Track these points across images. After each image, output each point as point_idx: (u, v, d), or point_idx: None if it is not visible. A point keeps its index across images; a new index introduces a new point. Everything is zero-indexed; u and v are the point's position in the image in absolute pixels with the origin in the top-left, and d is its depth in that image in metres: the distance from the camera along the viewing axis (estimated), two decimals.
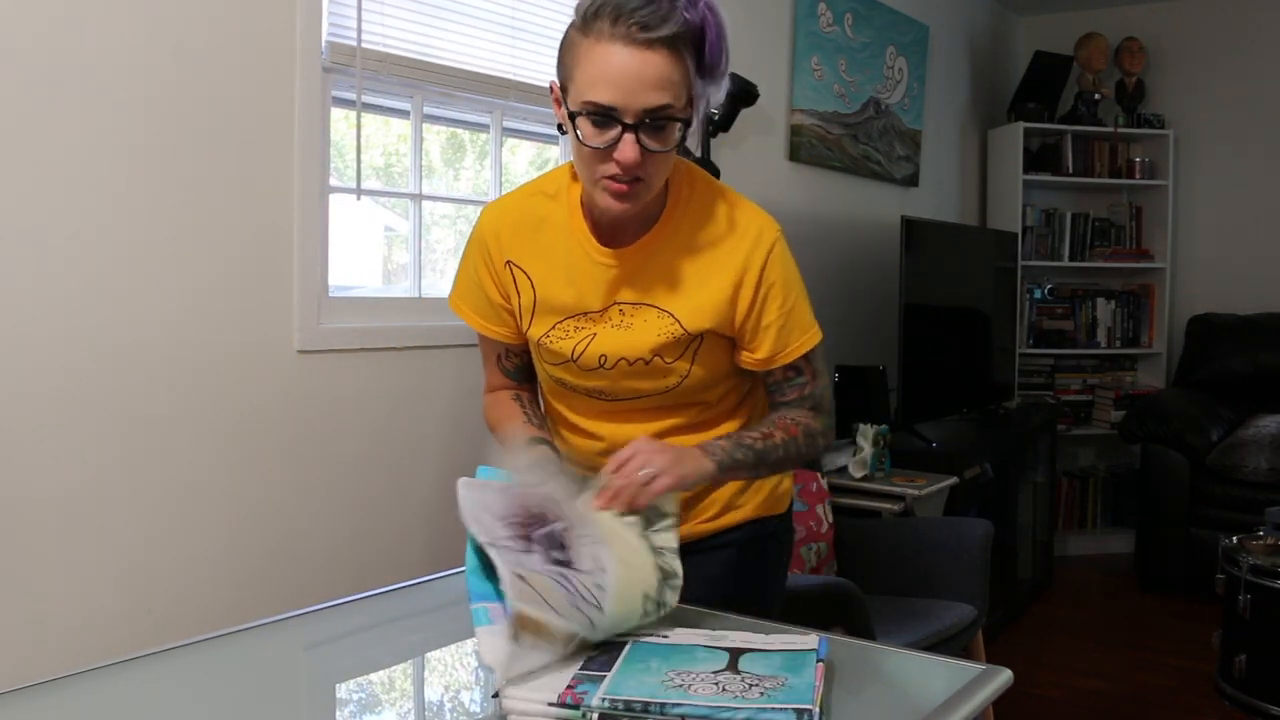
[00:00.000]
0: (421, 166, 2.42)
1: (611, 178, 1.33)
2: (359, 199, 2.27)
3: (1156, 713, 3.22)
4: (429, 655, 1.37)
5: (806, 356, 1.51)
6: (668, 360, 1.48)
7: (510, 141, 2.78)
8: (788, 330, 1.48)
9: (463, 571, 1.67)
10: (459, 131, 2.67)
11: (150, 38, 1.81)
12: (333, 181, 2.19)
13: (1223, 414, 4.48)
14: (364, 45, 2.18)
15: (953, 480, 3.38)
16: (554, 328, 1.50)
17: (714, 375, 1.52)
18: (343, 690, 1.26)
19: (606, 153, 1.31)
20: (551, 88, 1.39)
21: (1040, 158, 5.10)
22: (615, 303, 1.47)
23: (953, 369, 4.13)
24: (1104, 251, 5.15)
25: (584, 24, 1.30)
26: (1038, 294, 5.17)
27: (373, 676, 1.29)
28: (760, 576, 1.64)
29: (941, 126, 4.74)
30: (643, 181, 1.34)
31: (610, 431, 1.55)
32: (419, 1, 2.31)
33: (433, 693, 1.28)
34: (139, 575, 1.84)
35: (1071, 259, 5.13)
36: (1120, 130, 5.08)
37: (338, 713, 1.21)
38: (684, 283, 1.46)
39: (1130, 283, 5.22)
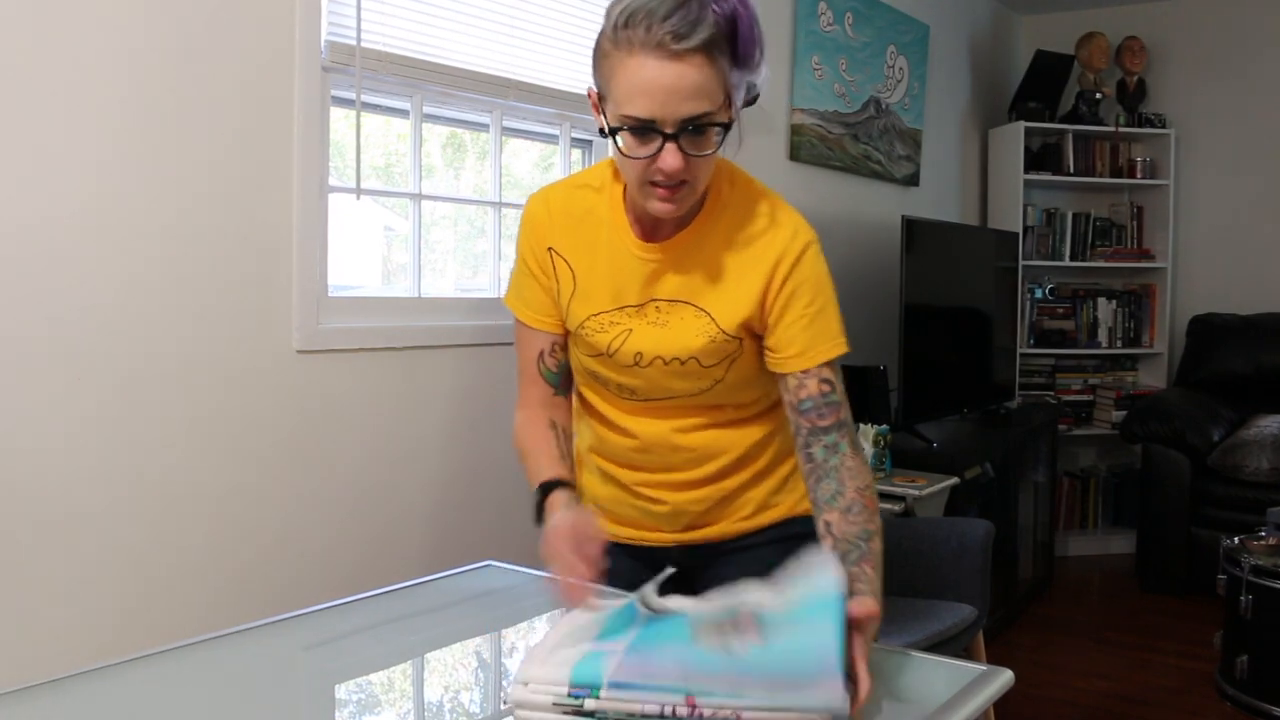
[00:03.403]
0: (421, 166, 2.42)
1: (656, 183, 1.34)
2: (359, 199, 2.27)
3: (1156, 713, 3.21)
4: (429, 655, 1.37)
5: (833, 368, 1.47)
6: (704, 364, 1.47)
7: (515, 143, 2.77)
8: (813, 332, 1.45)
9: (462, 571, 1.67)
10: (459, 131, 2.67)
11: (149, 37, 1.81)
12: (333, 181, 2.19)
13: (1224, 414, 4.48)
14: (363, 45, 2.18)
15: (953, 480, 3.38)
16: (591, 318, 1.50)
17: (748, 379, 1.51)
18: (343, 690, 1.26)
19: (650, 161, 1.32)
20: (590, 94, 1.40)
21: (1041, 157, 5.10)
22: (652, 299, 1.47)
23: (953, 369, 4.13)
24: (1105, 251, 5.14)
25: (615, 34, 1.29)
26: (1038, 294, 5.17)
27: (373, 676, 1.29)
28: None
29: (942, 126, 4.73)
30: (688, 184, 1.35)
31: (642, 429, 1.54)
32: (419, 1, 2.31)
33: (433, 693, 1.28)
34: (138, 575, 1.84)
35: (1072, 259, 5.13)
36: (1121, 130, 5.08)
37: (338, 713, 1.21)
38: (720, 280, 1.46)
39: (1131, 283, 5.22)
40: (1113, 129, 5.06)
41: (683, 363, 1.47)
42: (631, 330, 1.48)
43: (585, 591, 1.28)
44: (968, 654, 2.63)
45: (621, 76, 1.29)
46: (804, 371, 1.45)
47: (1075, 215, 5.17)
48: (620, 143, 1.33)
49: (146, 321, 1.83)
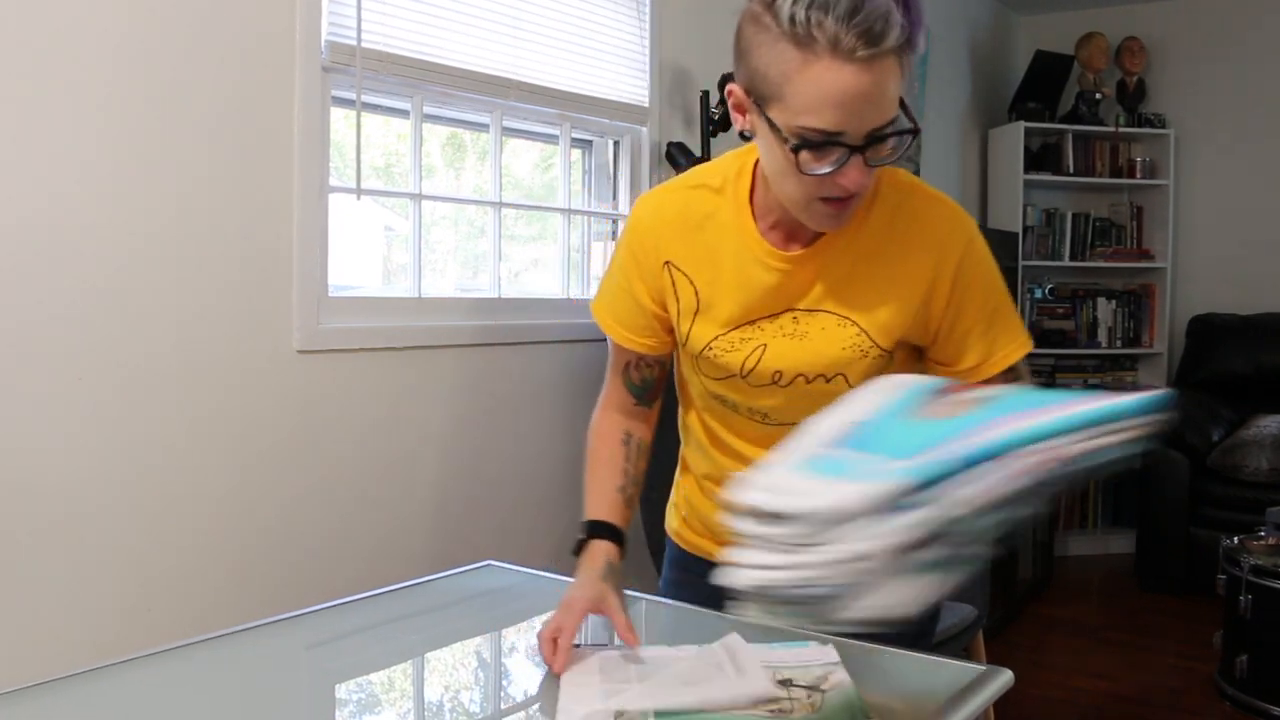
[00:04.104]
0: (421, 166, 2.42)
1: (826, 199, 1.18)
2: (359, 199, 2.27)
3: (1156, 713, 3.21)
4: (429, 655, 1.37)
5: (1015, 370, 1.30)
6: (852, 381, 1.29)
7: (515, 143, 2.77)
8: (993, 334, 1.29)
9: (462, 571, 1.67)
10: (459, 131, 2.67)
11: (149, 38, 1.81)
12: (333, 181, 2.19)
13: (1223, 414, 4.48)
14: (364, 45, 2.18)
15: None
16: (718, 339, 1.33)
17: None
18: (343, 690, 1.26)
19: (825, 178, 1.15)
20: (731, 91, 1.20)
21: (1041, 157, 5.10)
22: (789, 309, 1.30)
23: None
24: (1105, 251, 5.15)
25: (792, 27, 1.09)
26: (1038, 294, 5.17)
27: (373, 676, 1.29)
28: (933, 607, 1.52)
29: (942, 126, 4.73)
30: (857, 195, 1.19)
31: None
32: (419, 1, 2.31)
33: (433, 693, 1.28)
34: (139, 575, 1.84)
35: (1072, 259, 5.13)
36: (1121, 130, 5.08)
37: (338, 713, 1.21)
38: (869, 289, 1.28)
39: (1131, 283, 5.22)
40: (1112, 129, 5.07)
41: (828, 380, 1.31)
42: (765, 345, 1.31)
43: (564, 657, 1.21)
44: (967, 654, 2.63)
45: (804, 83, 1.10)
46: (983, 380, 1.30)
47: (1075, 215, 5.17)
48: (794, 155, 1.14)
49: (147, 321, 1.83)
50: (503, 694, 1.26)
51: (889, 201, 1.30)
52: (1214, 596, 3.31)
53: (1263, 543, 3.27)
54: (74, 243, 1.73)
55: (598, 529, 1.36)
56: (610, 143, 2.92)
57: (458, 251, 2.73)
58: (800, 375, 1.31)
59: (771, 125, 1.15)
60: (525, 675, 1.27)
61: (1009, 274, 4.59)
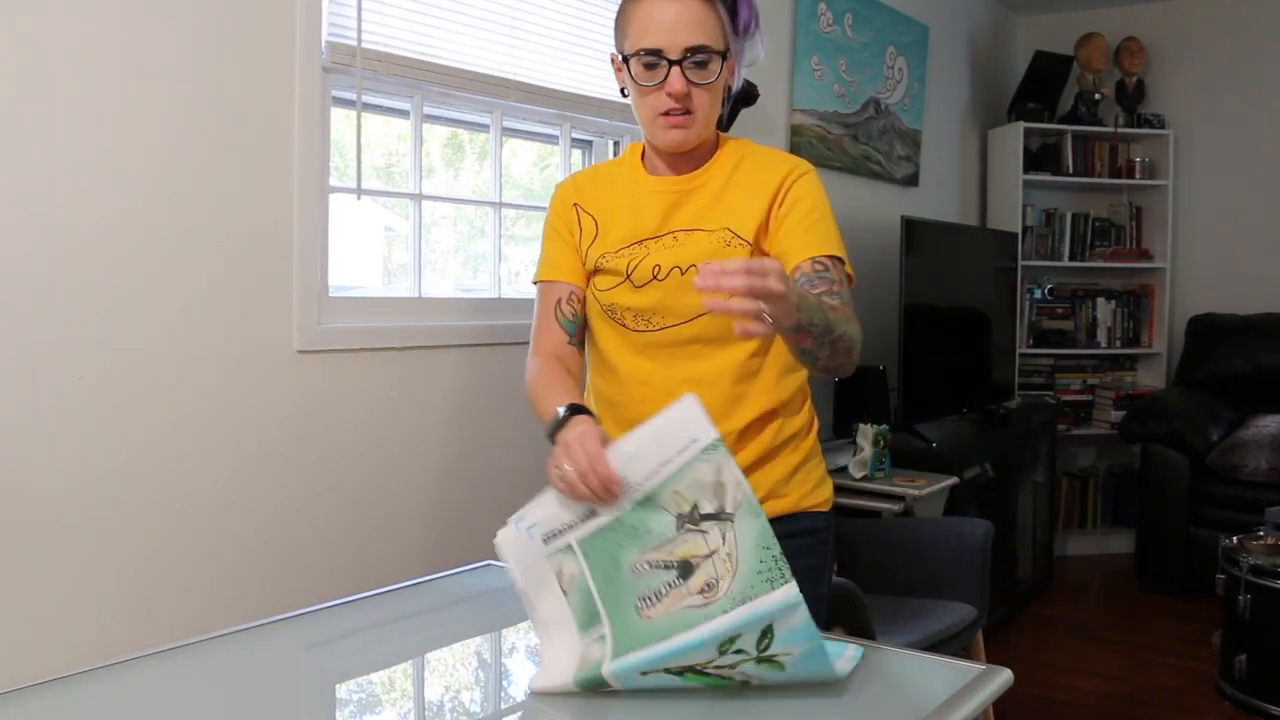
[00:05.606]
0: (421, 166, 2.42)
1: (666, 112, 1.55)
2: (359, 199, 2.27)
3: (1156, 713, 3.22)
4: (429, 655, 1.37)
5: (835, 259, 1.57)
6: None
7: (515, 143, 2.78)
8: (815, 232, 1.58)
9: (462, 571, 1.67)
10: (459, 131, 2.67)
11: (150, 38, 1.81)
12: (333, 181, 2.19)
13: (1223, 414, 4.48)
14: (364, 45, 2.18)
15: (953, 480, 3.38)
16: (610, 253, 1.64)
17: None
18: (343, 690, 1.26)
19: (658, 89, 1.54)
20: (612, 58, 1.62)
21: (1040, 158, 5.10)
22: (669, 231, 1.63)
23: (953, 369, 4.13)
24: (1104, 251, 5.15)
25: None
26: (1038, 294, 5.17)
27: (373, 676, 1.29)
28: (810, 576, 1.59)
29: (941, 126, 4.73)
30: (692, 114, 1.55)
31: (654, 374, 1.62)
32: (419, 1, 2.31)
33: (433, 693, 1.28)
34: (139, 575, 1.84)
35: (1072, 259, 5.13)
36: (1120, 130, 5.08)
37: (338, 713, 1.21)
38: (732, 204, 1.62)
39: (1130, 283, 5.22)
40: (1112, 129, 5.07)
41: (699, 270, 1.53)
42: (649, 253, 1.62)
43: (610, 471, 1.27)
44: (967, 653, 2.64)
45: (635, 20, 1.54)
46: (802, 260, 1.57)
47: (1074, 215, 5.17)
48: (634, 75, 1.55)
49: (147, 321, 1.83)
50: (503, 694, 1.26)
51: (745, 156, 1.67)
52: (1214, 596, 3.31)
53: (1262, 543, 3.27)
54: (73, 242, 1.73)
55: (576, 409, 1.39)
56: (610, 143, 2.92)
57: (458, 251, 2.73)
58: (675, 267, 1.60)
59: (624, 61, 1.56)
60: (525, 675, 1.28)
61: (1008, 275, 4.61)
